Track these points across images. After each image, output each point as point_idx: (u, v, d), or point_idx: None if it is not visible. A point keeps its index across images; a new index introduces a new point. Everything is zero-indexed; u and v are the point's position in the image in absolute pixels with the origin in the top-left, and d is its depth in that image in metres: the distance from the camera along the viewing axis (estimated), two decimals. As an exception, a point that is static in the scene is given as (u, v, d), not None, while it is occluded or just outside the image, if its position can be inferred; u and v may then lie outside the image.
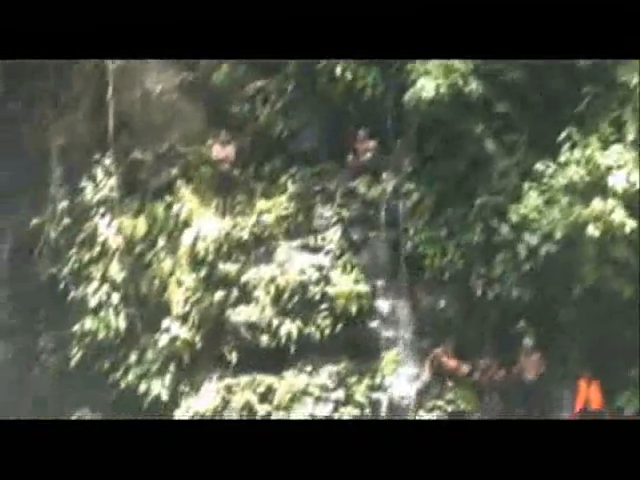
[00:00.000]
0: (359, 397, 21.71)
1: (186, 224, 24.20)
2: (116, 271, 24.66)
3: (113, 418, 22.16)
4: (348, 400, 21.70)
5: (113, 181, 25.26)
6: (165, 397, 23.25)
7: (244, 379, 22.31)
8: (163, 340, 23.49)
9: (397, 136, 23.55)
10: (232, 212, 24.34)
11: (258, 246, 23.64)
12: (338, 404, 21.66)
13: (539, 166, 21.23)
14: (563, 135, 20.93)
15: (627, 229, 19.69)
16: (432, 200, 22.51)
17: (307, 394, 21.82)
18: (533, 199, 21.05)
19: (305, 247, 23.39)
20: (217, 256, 23.54)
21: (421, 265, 22.37)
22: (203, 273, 23.55)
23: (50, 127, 26.42)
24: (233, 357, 22.82)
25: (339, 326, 22.25)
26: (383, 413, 21.63)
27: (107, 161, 25.39)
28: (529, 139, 21.97)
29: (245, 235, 23.61)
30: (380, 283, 22.85)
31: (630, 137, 20.56)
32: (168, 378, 23.49)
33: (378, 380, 21.96)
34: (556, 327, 21.34)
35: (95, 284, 24.68)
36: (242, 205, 24.40)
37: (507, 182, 21.87)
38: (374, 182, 23.58)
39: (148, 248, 24.71)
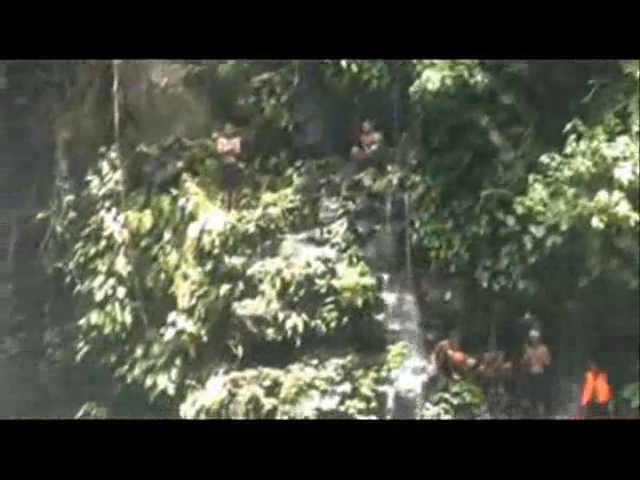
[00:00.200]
0: (365, 390, 21.66)
1: (192, 217, 24.14)
2: (122, 265, 24.69)
3: (116, 418, 22.23)
4: (354, 393, 21.67)
5: (119, 175, 25.25)
6: (171, 391, 23.30)
7: (250, 373, 22.30)
8: (169, 334, 23.48)
9: (402, 128, 23.53)
10: (238, 205, 24.33)
11: (264, 239, 23.62)
12: (344, 397, 21.64)
13: (544, 158, 21.16)
14: (568, 127, 20.86)
15: (632, 222, 19.66)
16: (438, 192, 22.48)
17: (313, 387, 21.79)
18: (538, 191, 21.01)
19: (311, 240, 23.39)
20: (223, 249, 23.50)
21: (427, 258, 22.36)
22: (209, 267, 23.50)
23: (56, 121, 26.51)
24: (239, 351, 22.80)
25: (345, 319, 22.21)
26: (389, 406, 21.64)
27: (113, 154, 25.40)
28: (534, 131, 21.94)
29: (251, 228, 23.58)
30: (386, 276, 22.79)
31: (636, 128, 20.49)
32: (174, 372, 23.53)
33: (384, 373, 21.91)
34: (562, 319, 21.33)
35: (101, 278, 24.72)
36: (248, 198, 24.41)
37: (512, 174, 21.85)
38: (379, 174, 23.53)
39: (154, 242, 24.75)
